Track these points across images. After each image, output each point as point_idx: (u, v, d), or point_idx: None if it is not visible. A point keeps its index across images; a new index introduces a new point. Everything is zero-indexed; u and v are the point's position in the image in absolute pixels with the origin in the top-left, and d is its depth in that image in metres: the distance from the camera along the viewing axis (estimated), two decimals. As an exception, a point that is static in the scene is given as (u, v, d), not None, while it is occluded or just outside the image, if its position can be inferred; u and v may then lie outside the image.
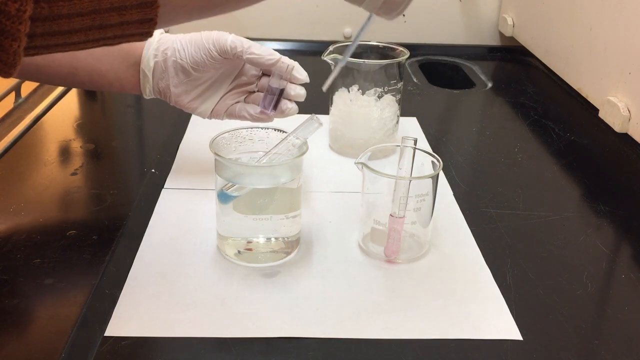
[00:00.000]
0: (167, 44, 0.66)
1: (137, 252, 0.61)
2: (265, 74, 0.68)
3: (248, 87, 0.69)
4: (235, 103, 0.69)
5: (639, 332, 0.54)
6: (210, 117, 0.69)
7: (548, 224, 0.69)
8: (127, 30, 0.35)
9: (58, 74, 0.67)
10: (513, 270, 0.61)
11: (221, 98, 0.69)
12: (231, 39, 0.64)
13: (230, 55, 0.64)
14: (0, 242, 0.62)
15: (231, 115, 0.69)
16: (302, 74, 0.66)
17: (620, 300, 0.58)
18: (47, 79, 0.69)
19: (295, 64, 0.66)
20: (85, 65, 0.67)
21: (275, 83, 0.65)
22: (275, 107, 0.66)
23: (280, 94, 0.66)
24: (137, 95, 0.69)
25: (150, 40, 0.66)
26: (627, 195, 0.78)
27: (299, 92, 0.67)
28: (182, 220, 0.67)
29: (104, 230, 0.64)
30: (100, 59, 0.67)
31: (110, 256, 0.60)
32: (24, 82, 0.97)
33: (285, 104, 0.66)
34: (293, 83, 0.66)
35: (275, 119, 0.68)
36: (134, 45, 0.67)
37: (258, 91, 0.69)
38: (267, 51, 0.64)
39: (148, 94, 0.69)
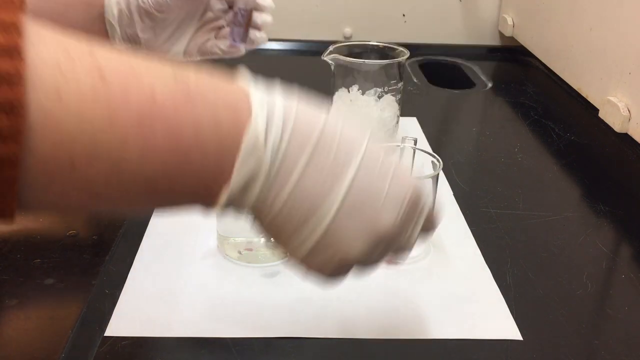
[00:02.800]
0: None
1: (137, 252, 0.61)
2: (231, 6, 0.66)
3: (216, 22, 0.67)
4: (207, 41, 0.67)
5: (639, 332, 0.54)
6: (184, 57, 0.68)
7: (548, 224, 0.69)
8: None
9: None
10: (513, 270, 0.61)
11: (191, 37, 0.67)
12: None
13: None
14: (0, 242, 0.62)
15: (204, 53, 0.68)
16: (266, 1, 0.65)
17: (620, 300, 0.58)
18: None
19: None
20: (50, 22, 0.65)
21: (240, 11, 0.63)
22: (244, 39, 0.65)
23: (248, 24, 0.64)
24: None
25: None
26: (627, 195, 0.78)
27: (266, 20, 0.65)
28: (182, 220, 0.67)
29: (104, 230, 0.64)
30: (64, 15, 0.64)
31: (110, 256, 0.60)
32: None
33: (254, 34, 0.65)
34: (258, 11, 0.65)
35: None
36: None
37: (227, 25, 0.67)
38: None
39: (118, 43, 0.67)
